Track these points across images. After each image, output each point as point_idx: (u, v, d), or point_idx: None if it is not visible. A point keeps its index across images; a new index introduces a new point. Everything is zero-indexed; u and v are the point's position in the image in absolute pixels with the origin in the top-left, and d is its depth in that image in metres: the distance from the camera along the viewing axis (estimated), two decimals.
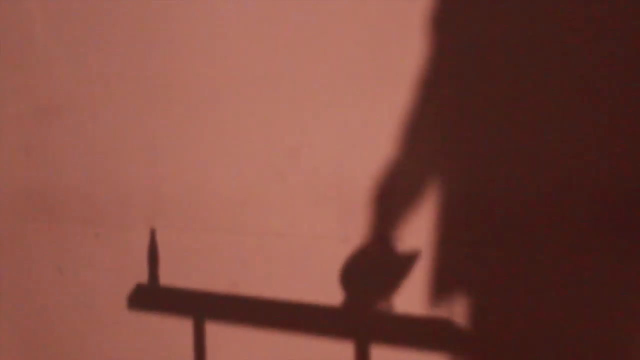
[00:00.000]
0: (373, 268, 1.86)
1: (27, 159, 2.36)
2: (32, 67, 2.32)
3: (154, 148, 2.14)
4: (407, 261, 1.81)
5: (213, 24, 2.03)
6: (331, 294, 1.91)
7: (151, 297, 2.17)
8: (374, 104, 1.84)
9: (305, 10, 1.90)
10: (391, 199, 1.84)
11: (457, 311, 1.77)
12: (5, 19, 2.36)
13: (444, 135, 1.77)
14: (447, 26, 1.75)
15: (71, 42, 2.25)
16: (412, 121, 1.81)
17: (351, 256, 1.88)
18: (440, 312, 1.79)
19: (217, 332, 2.08)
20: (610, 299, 1.64)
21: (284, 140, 1.95)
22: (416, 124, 1.80)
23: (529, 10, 1.68)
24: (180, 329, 2.13)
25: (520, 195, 1.70)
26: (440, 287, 1.79)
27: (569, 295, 1.67)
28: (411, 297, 1.81)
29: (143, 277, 2.16)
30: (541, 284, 1.69)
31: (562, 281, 1.67)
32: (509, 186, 1.71)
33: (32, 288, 2.40)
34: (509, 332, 1.73)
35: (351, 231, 1.88)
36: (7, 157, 2.40)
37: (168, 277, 2.13)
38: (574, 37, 1.64)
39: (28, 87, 2.34)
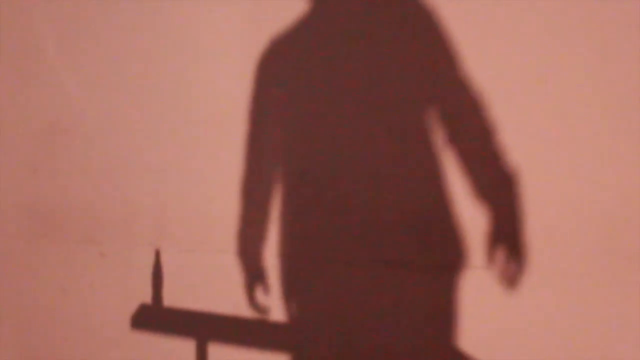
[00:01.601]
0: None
1: (34, 177, 2.39)
2: (41, 86, 2.36)
3: (160, 169, 2.17)
4: None
5: (222, 52, 2.08)
6: (332, 316, 1.92)
7: (154, 317, 2.18)
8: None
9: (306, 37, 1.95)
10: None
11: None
12: (17, 39, 2.41)
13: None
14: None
15: (80, 63, 2.30)
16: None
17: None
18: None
19: (219, 354, 2.09)
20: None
21: (290, 163, 1.99)
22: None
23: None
24: (183, 350, 2.13)
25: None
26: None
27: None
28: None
29: (147, 297, 2.17)
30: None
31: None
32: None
33: (36, 306, 2.42)
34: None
35: (355, 253, 1.90)
36: (14, 175, 2.43)
37: (172, 297, 2.15)
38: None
39: (37, 105, 2.38)
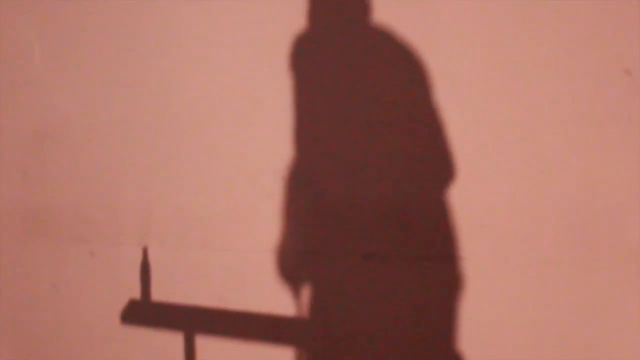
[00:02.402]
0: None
1: (24, 179, 2.40)
2: (30, 91, 2.38)
3: (146, 169, 2.20)
4: None
5: (202, 52, 2.12)
6: (314, 309, 1.98)
7: (143, 312, 2.21)
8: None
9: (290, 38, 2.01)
10: None
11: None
12: (5, 45, 2.41)
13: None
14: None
15: (68, 68, 2.31)
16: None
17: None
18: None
19: (207, 346, 2.13)
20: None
21: (271, 161, 2.04)
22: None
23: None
24: (172, 343, 2.17)
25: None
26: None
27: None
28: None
29: (135, 293, 2.20)
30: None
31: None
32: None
33: (28, 304, 2.44)
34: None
35: (336, 247, 1.96)
36: (5, 177, 2.44)
37: (159, 292, 2.18)
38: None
39: (26, 110, 2.39)
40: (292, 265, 2.02)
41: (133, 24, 2.20)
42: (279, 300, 2.03)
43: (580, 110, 1.75)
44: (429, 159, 1.87)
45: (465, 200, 1.84)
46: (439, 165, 1.86)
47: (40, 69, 2.36)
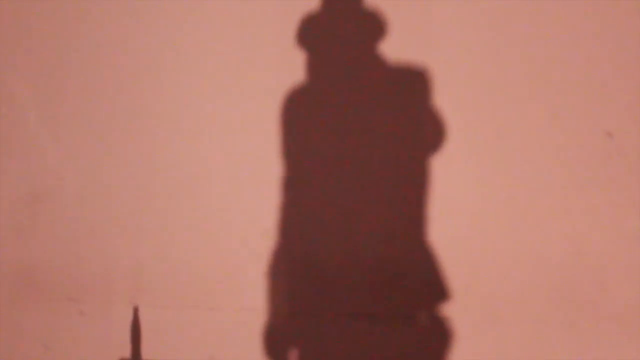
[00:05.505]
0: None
1: (17, 239, 2.40)
2: (24, 154, 2.39)
3: (137, 229, 2.22)
4: None
5: (192, 112, 2.17)
6: None
7: None
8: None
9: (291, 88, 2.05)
10: None
11: None
12: (1, 111, 2.43)
13: None
14: None
15: (61, 132, 2.34)
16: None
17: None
18: None
19: None
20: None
21: (260, 221, 2.06)
22: None
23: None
24: None
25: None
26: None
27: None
28: None
29: (126, 352, 2.17)
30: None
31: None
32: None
33: None
34: None
35: (324, 308, 1.98)
36: None
37: (150, 352, 2.15)
38: None
39: (20, 172, 2.40)
40: (281, 326, 2.03)
41: (126, 93, 2.24)
42: None
43: (563, 172, 1.79)
44: (417, 219, 1.90)
45: (454, 260, 1.86)
46: (427, 226, 1.88)
47: (35, 134, 2.38)
